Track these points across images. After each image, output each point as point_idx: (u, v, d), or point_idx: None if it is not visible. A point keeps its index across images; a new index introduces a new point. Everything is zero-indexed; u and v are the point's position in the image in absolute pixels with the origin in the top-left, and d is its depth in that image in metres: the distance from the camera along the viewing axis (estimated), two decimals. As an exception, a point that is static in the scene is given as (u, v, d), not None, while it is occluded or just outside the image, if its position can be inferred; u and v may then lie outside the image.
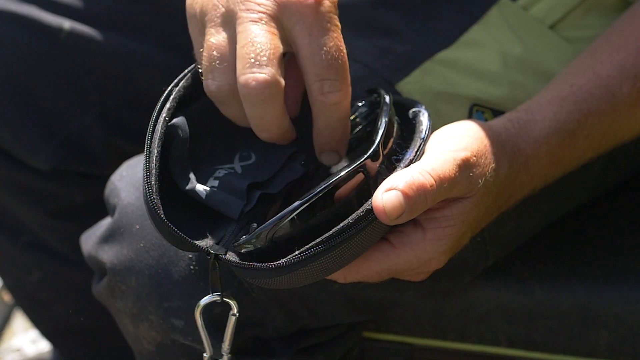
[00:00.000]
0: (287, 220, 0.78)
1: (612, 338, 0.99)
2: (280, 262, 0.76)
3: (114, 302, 0.96)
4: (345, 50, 0.82)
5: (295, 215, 0.78)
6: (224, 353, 0.87)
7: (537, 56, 0.97)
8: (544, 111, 0.87)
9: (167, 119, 0.82)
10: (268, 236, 0.79)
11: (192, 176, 0.84)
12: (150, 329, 0.95)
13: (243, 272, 0.79)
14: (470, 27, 0.97)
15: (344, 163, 0.88)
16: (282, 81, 0.79)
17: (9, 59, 1.14)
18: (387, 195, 0.76)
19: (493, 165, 0.82)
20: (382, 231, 0.80)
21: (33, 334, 1.69)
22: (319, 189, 0.79)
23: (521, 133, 0.86)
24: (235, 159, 0.87)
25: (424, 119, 0.85)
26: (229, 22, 0.82)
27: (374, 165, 0.81)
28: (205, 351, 0.93)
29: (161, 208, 0.79)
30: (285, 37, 0.81)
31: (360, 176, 0.80)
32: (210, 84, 0.82)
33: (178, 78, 0.85)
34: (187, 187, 0.83)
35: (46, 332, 1.32)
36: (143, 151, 0.81)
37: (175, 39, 0.93)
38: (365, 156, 0.80)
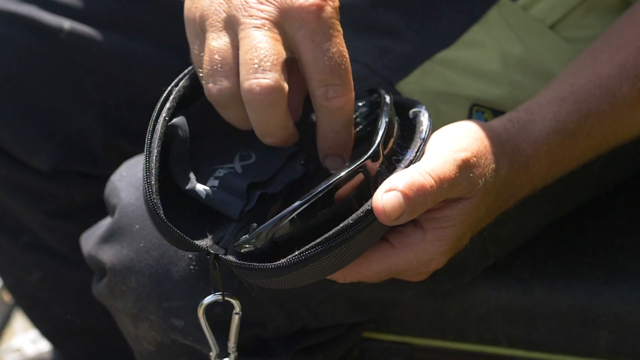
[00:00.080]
0: (287, 220, 0.78)
1: (612, 338, 0.99)
2: (280, 262, 0.76)
3: (114, 302, 0.96)
4: (347, 56, 0.82)
5: (296, 215, 0.78)
6: (230, 352, 0.87)
7: (537, 56, 0.97)
8: (544, 111, 0.87)
9: (167, 118, 0.82)
10: (268, 236, 0.79)
11: (192, 176, 0.84)
12: (150, 329, 0.95)
13: (243, 272, 0.79)
14: (470, 27, 0.97)
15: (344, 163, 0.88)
16: (286, 86, 0.80)
17: (9, 59, 1.14)
18: (387, 196, 0.76)
19: (493, 165, 0.82)
20: (382, 232, 0.80)
21: (33, 334, 1.68)
22: (319, 189, 0.79)
23: (521, 133, 0.86)
24: (236, 159, 0.87)
25: (424, 119, 0.84)
26: (231, 27, 0.82)
27: (374, 166, 0.81)
28: (205, 351, 0.94)
29: (161, 208, 0.79)
30: (287, 43, 0.81)
31: (360, 176, 0.80)
32: (211, 88, 0.81)
33: (178, 78, 0.85)
34: (187, 187, 0.83)
35: (46, 332, 1.32)
36: (143, 151, 0.81)
37: (175, 39, 0.93)
38: (366, 157, 0.80)
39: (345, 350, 1.02)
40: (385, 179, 0.78)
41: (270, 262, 0.77)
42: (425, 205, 0.77)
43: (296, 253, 0.76)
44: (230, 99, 0.81)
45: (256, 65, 0.79)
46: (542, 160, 0.87)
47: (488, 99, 0.96)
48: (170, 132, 0.83)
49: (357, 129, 0.89)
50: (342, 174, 0.79)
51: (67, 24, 1.14)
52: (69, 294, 1.25)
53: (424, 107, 0.86)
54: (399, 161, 0.81)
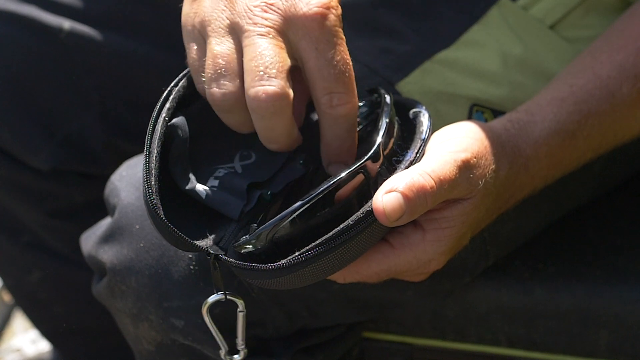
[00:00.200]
0: (287, 220, 0.78)
1: (612, 338, 0.99)
2: (280, 263, 0.76)
3: (114, 302, 0.96)
4: (351, 63, 0.82)
5: (296, 215, 0.78)
6: (239, 349, 0.88)
7: (537, 56, 0.97)
8: (544, 112, 0.87)
9: (166, 119, 0.82)
10: (268, 237, 0.79)
11: (192, 176, 0.84)
12: (150, 329, 0.95)
13: (243, 272, 0.79)
14: (470, 27, 0.97)
15: (344, 163, 0.88)
16: (291, 93, 0.80)
17: (9, 59, 1.14)
18: (387, 197, 0.76)
19: (493, 166, 0.82)
20: (382, 232, 0.80)
21: (33, 334, 1.69)
22: (320, 190, 0.79)
23: (521, 134, 0.86)
24: (236, 159, 0.87)
25: (425, 119, 0.84)
26: (234, 34, 0.82)
27: (374, 167, 0.81)
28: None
29: (161, 208, 0.79)
30: (291, 51, 0.81)
31: (360, 177, 0.80)
32: (215, 92, 0.81)
33: (177, 78, 0.85)
34: (187, 187, 0.83)
35: (46, 332, 1.32)
36: (143, 151, 0.81)
37: (175, 39, 0.93)
38: (366, 157, 0.80)
39: (345, 350, 1.02)
40: (385, 180, 0.78)
41: (270, 263, 0.77)
42: (425, 206, 0.77)
43: (296, 254, 0.76)
44: (234, 103, 0.81)
45: (261, 73, 0.79)
46: (542, 161, 0.87)
47: (488, 99, 0.96)
48: (170, 132, 0.83)
49: (357, 129, 0.89)
50: (343, 174, 0.79)
51: (67, 24, 1.14)
52: (69, 294, 1.25)
53: (424, 107, 0.86)
54: (399, 162, 0.81)
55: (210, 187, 0.84)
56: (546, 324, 1.00)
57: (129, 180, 0.96)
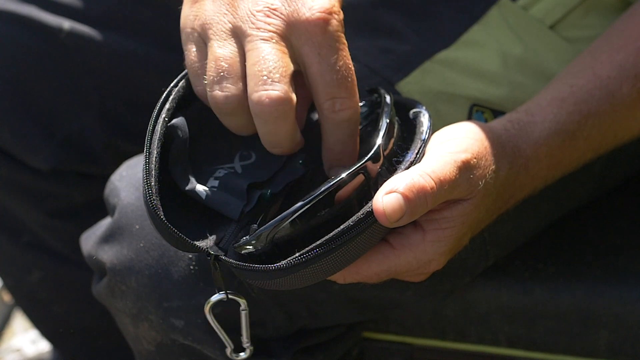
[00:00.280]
0: (288, 221, 0.78)
1: (612, 338, 0.99)
2: (280, 264, 0.76)
3: (114, 302, 0.96)
4: (353, 68, 0.82)
5: (296, 216, 0.78)
6: (245, 346, 0.88)
7: (537, 56, 0.97)
8: (544, 112, 0.87)
9: (166, 119, 0.82)
10: (268, 237, 0.79)
11: (191, 176, 0.84)
12: (150, 329, 0.95)
13: (243, 273, 0.79)
14: (470, 27, 0.97)
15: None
16: (294, 98, 0.80)
17: (9, 59, 1.14)
18: (387, 198, 0.76)
19: (493, 166, 0.82)
20: (382, 233, 0.80)
21: (33, 334, 1.68)
22: (320, 191, 0.79)
23: (521, 134, 0.86)
24: (236, 159, 0.87)
25: (425, 119, 0.84)
26: (236, 37, 0.82)
27: (374, 167, 0.81)
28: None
29: (161, 209, 0.79)
30: (294, 56, 0.81)
31: (360, 177, 0.80)
32: (217, 95, 0.81)
33: (177, 79, 0.85)
34: (187, 188, 0.83)
35: (46, 332, 1.32)
36: (143, 151, 0.81)
37: (175, 39, 0.93)
38: (366, 158, 0.80)
39: (345, 350, 1.02)
40: (385, 180, 0.78)
41: (270, 264, 0.77)
42: (425, 207, 0.77)
43: (297, 255, 0.76)
44: (236, 106, 0.81)
45: (265, 77, 0.79)
46: (542, 161, 0.87)
47: (488, 99, 0.96)
48: (169, 132, 0.83)
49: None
50: (343, 175, 0.79)
51: (67, 24, 1.14)
52: (69, 294, 1.25)
53: (424, 107, 0.86)
54: (400, 162, 0.81)
55: (210, 188, 0.84)
56: (546, 324, 1.00)
57: (129, 180, 0.96)
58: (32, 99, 1.15)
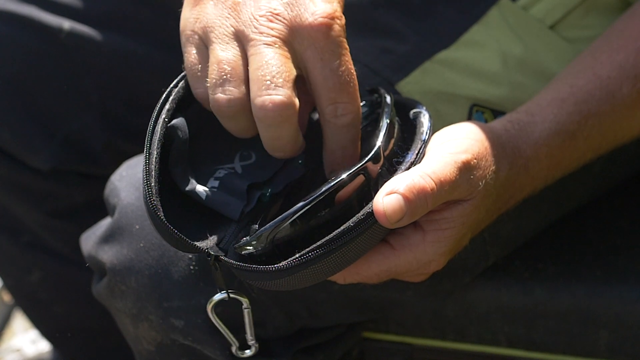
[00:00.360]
0: (288, 222, 0.78)
1: (612, 338, 0.99)
2: (280, 264, 0.76)
3: (114, 302, 0.96)
4: (355, 73, 0.82)
5: (297, 217, 0.78)
6: (250, 344, 0.88)
7: (537, 56, 0.97)
8: (544, 112, 0.87)
9: (166, 120, 0.82)
10: (269, 238, 0.79)
11: (191, 177, 0.84)
12: (150, 329, 0.95)
13: (243, 274, 0.79)
14: (470, 27, 0.97)
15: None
16: (297, 102, 0.80)
17: (9, 59, 1.14)
18: (388, 199, 0.76)
19: (493, 167, 0.82)
20: (383, 234, 0.80)
21: (33, 334, 1.68)
22: (321, 192, 0.79)
23: (521, 135, 0.86)
24: (236, 159, 0.87)
25: (425, 120, 0.84)
26: (238, 41, 0.82)
27: (375, 168, 0.81)
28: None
29: (161, 210, 0.79)
30: (296, 60, 0.81)
31: (361, 178, 0.80)
32: (220, 98, 0.81)
33: (177, 79, 0.85)
34: (187, 188, 0.83)
35: (46, 332, 1.32)
36: (143, 151, 0.81)
37: (175, 39, 0.93)
38: (367, 159, 0.80)
39: (345, 350, 1.02)
40: (386, 181, 0.78)
41: (270, 264, 0.77)
42: (425, 208, 0.77)
43: (297, 256, 0.76)
44: (239, 110, 0.81)
45: (268, 82, 0.79)
46: (542, 161, 0.87)
47: (488, 99, 0.96)
48: (169, 133, 0.83)
49: (358, 131, 0.89)
50: (344, 176, 0.79)
51: (67, 24, 1.14)
52: (69, 294, 1.25)
53: (424, 107, 0.86)
54: (400, 163, 0.81)
55: (211, 188, 0.84)
56: (546, 324, 1.00)
57: (129, 180, 0.96)
58: (32, 99, 1.15)
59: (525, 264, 1.01)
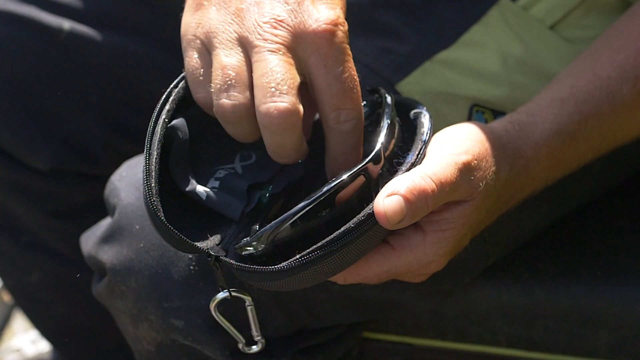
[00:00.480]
0: (289, 223, 0.78)
1: (612, 338, 0.99)
2: (281, 265, 0.76)
3: (114, 302, 0.96)
4: (358, 79, 0.82)
5: (297, 218, 0.78)
6: (256, 340, 0.88)
7: (537, 56, 0.97)
8: (544, 113, 0.87)
9: (166, 120, 0.82)
10: (269, 238, 0.79)
11: (192, 177, 0.84)
12: (150, 329, 0.95)
13: (243, 274, 0.79)
14: (470, 28, 0.97)
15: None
16: (302, 109, 0.80)
17: (9, 59, 1.14)
18: (388, 200, 0.76)
19: (494, 168, 0.82)
20: (383, 235, 0.80)
21: (33, 334, 1.68)
22: (321, 192, 0.79)
23: (522, 135, 0.86)
24: (236, 159, 0.87)
25: (425, 120, 0.84)
26: (242, 47, 0.82)
27: (375, 169, 0.81)
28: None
29: (161, 210, 0.79)
30: (300, 67, 0.81)
31: (361, 179, 0.80)
32: (225, 104, 0.80)
33: (177, 80, 0.85)
34: (188, 189, 0.83)
35: (46, 332, 1.32)
36: (143, 151, 0.81)
37: (176, 39, 0.93)
38: (367, 160, 0.80)
39: (345, 350, 1.02)
40: (386, 182, 0.78)
41: (271, 265, 0.77)
42: (426, 209, 0.77)
43: (297, 256, 0.76)
44: (244, 115, 0.80)
45: (273, 89, 0.78)
46: (542, 162, 0.87)
47: (488, 100, 0.96)
48: (170, 133, 0.83)
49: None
50: (344, 177, 0.79)
51: (67, 24, 1.14)
52: (69, 294, 1.25)
53: (424, 108, 0.86)
54: (401, 164, 0.81)
55: (211, 188, 0.84)
56: (546, 324, 1.00)
57: (129, 181, 0.96)
58: (32, 99, 1.15)
59: (525, 264, 1.01)
